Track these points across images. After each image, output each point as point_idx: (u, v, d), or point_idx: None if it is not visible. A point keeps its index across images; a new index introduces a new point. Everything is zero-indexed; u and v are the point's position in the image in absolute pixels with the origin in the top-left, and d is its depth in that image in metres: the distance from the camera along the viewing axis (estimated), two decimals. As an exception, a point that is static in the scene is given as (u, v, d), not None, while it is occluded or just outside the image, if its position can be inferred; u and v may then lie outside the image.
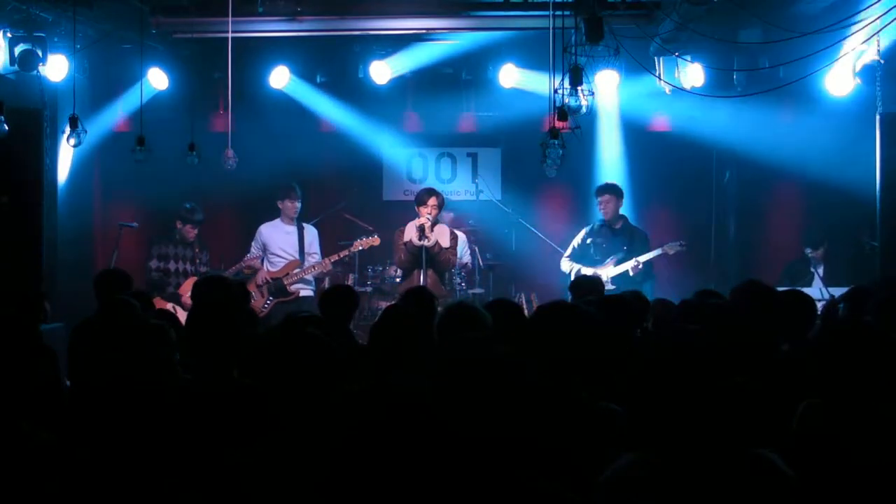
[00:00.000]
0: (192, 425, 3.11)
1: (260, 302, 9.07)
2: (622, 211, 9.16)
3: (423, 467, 2.69)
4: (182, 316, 8.68)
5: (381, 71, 9.85)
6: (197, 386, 3.43)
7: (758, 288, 5.00)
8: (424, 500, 2.66)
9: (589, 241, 9.08)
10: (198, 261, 9.23)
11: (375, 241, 9.24)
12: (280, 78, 9.93)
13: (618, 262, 8.86)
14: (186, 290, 8.81)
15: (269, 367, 3.38)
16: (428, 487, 2.65)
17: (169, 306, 8.79)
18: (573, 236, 9.51)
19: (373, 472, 2.71)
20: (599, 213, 9.12)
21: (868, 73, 8.43)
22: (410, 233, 8.66)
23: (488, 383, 2.90)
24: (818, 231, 9.46)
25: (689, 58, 8.82)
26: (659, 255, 8.96)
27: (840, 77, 8.94)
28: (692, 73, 9.01)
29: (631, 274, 8.74)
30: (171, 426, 2.89)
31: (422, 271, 8.53)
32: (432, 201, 8.62)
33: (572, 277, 8.99)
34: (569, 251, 9.22)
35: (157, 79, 9.67)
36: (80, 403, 2.94)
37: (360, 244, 9.21)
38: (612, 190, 9.06)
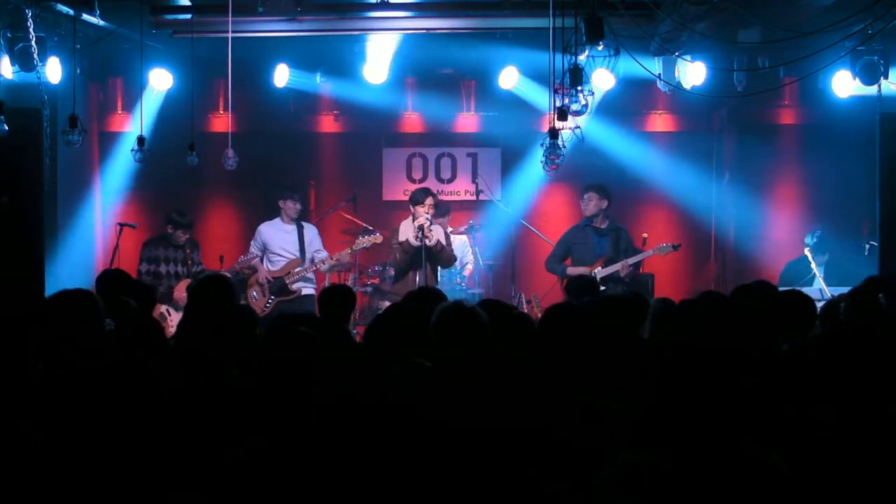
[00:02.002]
0: (188, 424, 3.11)
1: (261, 301, 9.07)
2: (609, 212, 9.02)
3: (421, 467, 2.68)
4: (174, 317, 8.69)
5: (380, 70, 9.85)
6: (193, 385, 3.43)
7: (764, 288, 5.01)
8: (424, 500, 2.66)
9: (574, 241, 9.01)
10: (190, 262, 9.13)
11: (378, 238, 9.24)
12: (280, 77, 9.93)
13: (606, 264, 8.82)
14: (180, 292, 8.79)
15: (261, 366, 3.39)
16: (427, 487, 2.65)
17: (162, 308, 8.78)
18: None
19: (369, 471, 2.71)
20: (585, 213, 9.04)
21: (868, 72, 8.43)
22: (406, 233, 8.65)
23: (488, 383, 2.89)
24: (825, 238, 9.39)
25: (689, 58, 8.81)
26: (651, 257, 8.94)
27: (840, 77, 8.94)
28: (692, 73, 9.00)
29: (622, 275, 8.69)
30: (167, 425, 2.89)
31: (420, 271, 8.53)
32: (429, 201, 8.63)
33: (560, 278, 8.97)
34: (553, 252, 9.15)
35: (158, 79, 9.67)
36: (76, 402, 2.94)
37: (363, 241, 9.20)
38: (595, 188, 8.93)
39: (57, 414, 2.95)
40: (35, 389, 3.33)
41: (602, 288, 8.34)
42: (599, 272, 8.64)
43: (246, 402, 3.34)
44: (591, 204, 8.91)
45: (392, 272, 9.60)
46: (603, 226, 8.95)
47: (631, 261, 8.72)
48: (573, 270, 8.65)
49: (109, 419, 2.77)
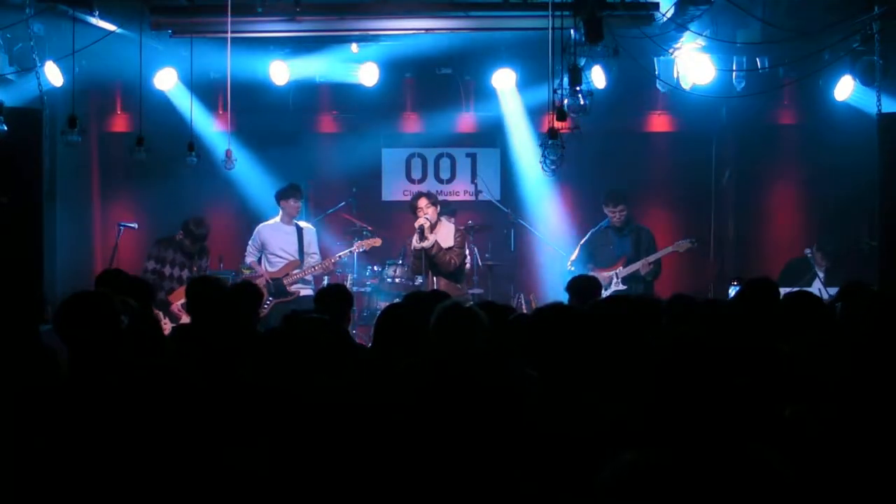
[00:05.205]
0: (193, 423, 3.11)
1: (259, 302, 9.06)
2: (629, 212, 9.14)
3: (419, 466, 2.69)
4: (166, 325, 8.64)
5: (375, 71, 9.86)
6: (197, 384, 3.43)
7: (770, 286, 5.01)
8: (421, 498, 2.66)
9: (596, 243, 9.08)
10: (195, 268, 9.09)
11: (377, 241, 9.25)
12: (279, 78, 9.93)
13: (628, 263, 8.89)
14: (177, 297, 8.77)
15: (264, 364, 3.39)
16: (425, 486, 2.65)
17: (158, 312, 8.76)
18: (572, 236, 9.48)
19: (367, 470, 2.72)
20: (608, 218, 9.08)
21: (867, 73, 8.42)
22: (414, 237, 8.68)
23: (485, 383, 2.90)
24: (834, 244, 9.37)
25: (688, 57, 8.82)
26: (669, 253, 9.00)
27: (839, 77, 8.94)
28: (692, 73, 9.01)
29: (642, 273, 8.79)
30: (170, 424, 2.89)
31: (431, 274, 8.54)
32: (422, 202, 8.65)
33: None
34: (574, 255, 9.18)
35: (157, 78, 9.67)
36: (78, 403, 2.95)
37: (362, 245, 9.22)
38: (616, 198, 9.03)
39: (60, 416, 2.95)
40: (37, 392, 3.32)
41: (624, 287, 8.44)
42: (621, 272, 8.82)
43: (252, 401, 3.34)
44: (624, 214, 9.02)
45: (392, 272, 9.62)
46: (624, 226, 9.01)
47: (651, 258, 8.86)
48: (594, 272, 8.63)
49: (115, 421, 2.77)
